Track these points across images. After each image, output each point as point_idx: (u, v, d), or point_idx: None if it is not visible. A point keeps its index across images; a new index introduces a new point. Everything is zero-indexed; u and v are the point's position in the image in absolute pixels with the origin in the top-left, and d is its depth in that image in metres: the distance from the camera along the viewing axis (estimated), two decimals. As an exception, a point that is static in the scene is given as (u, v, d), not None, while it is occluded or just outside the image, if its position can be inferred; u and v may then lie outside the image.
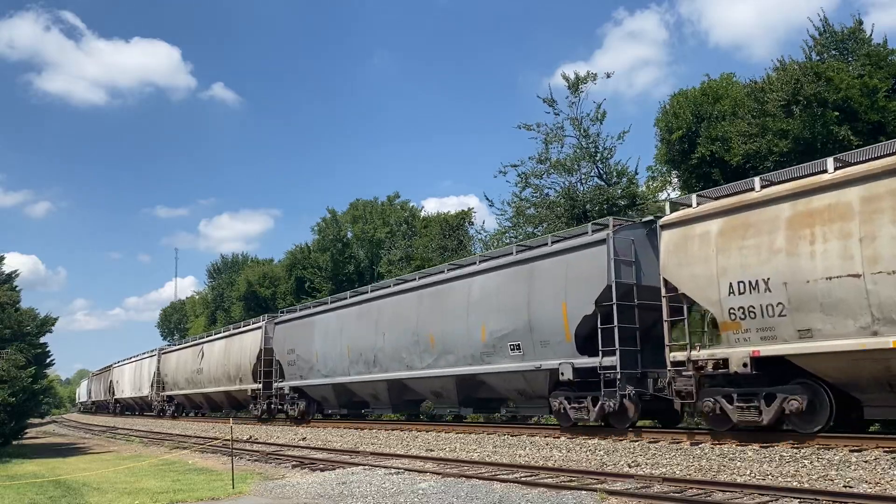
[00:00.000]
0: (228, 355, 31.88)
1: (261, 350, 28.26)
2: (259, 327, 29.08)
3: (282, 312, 28.25)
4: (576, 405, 14.88)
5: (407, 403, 22.34)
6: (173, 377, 40.09)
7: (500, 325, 16.39)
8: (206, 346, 35.26)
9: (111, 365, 57.05)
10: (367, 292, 22.67)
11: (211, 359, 34.14)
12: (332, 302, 24.68)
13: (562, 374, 14.74)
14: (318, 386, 24.65)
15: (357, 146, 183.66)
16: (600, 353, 14.07)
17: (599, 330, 14.10)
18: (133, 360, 49.74)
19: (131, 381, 49.16)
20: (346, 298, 23.69)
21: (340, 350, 22.75)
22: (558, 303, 14.94)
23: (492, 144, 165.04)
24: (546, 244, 15.95)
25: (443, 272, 19.20)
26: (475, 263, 18.00)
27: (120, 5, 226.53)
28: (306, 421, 25.53)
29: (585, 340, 14.67)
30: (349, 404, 24.40)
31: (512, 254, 16.86)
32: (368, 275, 41.90)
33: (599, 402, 14.21)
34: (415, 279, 20.36)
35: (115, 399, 54.73)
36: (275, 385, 27.50)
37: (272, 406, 27.69)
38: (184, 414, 41.36)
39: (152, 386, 43.34)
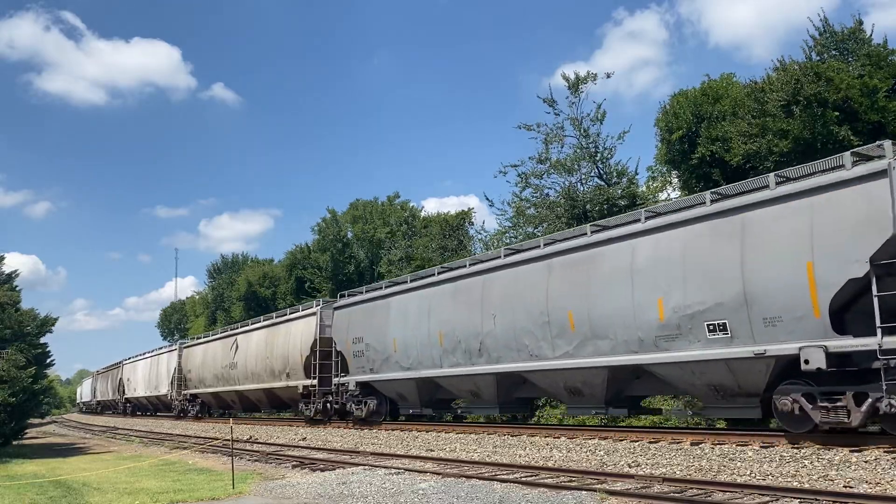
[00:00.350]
0: (271, 347, 27.51)
1: (315, 340, 23.97)
2: (313, 313, 24.70)
3: (342, 295, 24.18)
4: (826, 404, 10.95)
5: (520, 402, 18.29)
6: (198, 373, 35.63)
7: (692, 299, 12.42)
8: (242, 338, 30.77)
9: (121, 361, 53.43)
10: (464, 266, 18.57)
11: (248, 352, 29.69)
12: (412, 280, 20.42)
13: (805, 361, 10.88)
14: (395, 381, 20.50)
15: (357, 146, 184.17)
16: (879, 330, 10.10)
17: (875, 299, 10.26)
18: (148, 355, 45.84)
19: (146, 379, 44.99)
20: (433, 275, 19.57)
21: (428, 337, 18.83)
22: (799, 264, 11.07)
23: (492, 144, 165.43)
24: (766, 186, 11.85)
25: (585, 234, 14.87)
26: (639, 221, 13.60)
27: (120, 5, 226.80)
28: (377, 423, 21.73)
29: (836, 315, 11.03)
30: (434, 403, 20.54)
31: (704, 203, 12.72)
32: (368, 275, 41.92)
33: (869, 400, 10.48)
34: (539, 246, 16.04)
35: (126, 399, 50.95)
36: (335, 380, 23.24)
37: (329, 405, 23.77)
38: (209, 414, 37.07)
39: (172, 384, 39.04)
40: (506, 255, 17.04)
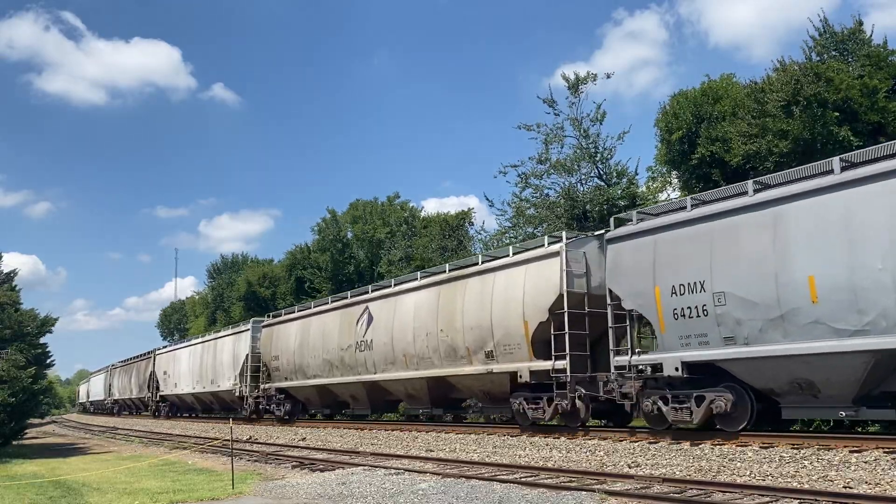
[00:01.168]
0: (449, 314, 18.38)
1: (561, 296, 15.37)
2: (552, 254, 15.86)
3: (618, 221, 14.99)
4: None
5: None
6: (292, 360, 26.21)
7: None
8: (380, 305, 21.64)
9: (152, 351, 46.29)
10: None
11: (394, 324, 20.65)
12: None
13: None
14: (829, 356, 10.75)
15: (357, 146, 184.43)
16: None
17: None
18: (197, 341, 38.05)
19: (194, 371, 36.26)
20: None
21: None
22: None
23: (492, 145, 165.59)
24: None
25: None
26: None
27: (120, 5, 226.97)
28: (737, 435, 12.39)
29: None
30: None
31: None
32: (368, 275, 41.91)
33: None
34: None
35: (161, 396, 42.76)
36: (618, 360, 14.19)
37: (584, 401, 15.36)
38: (308, 416, 27.53)
39: (242, 375, 30.18)
40: None
